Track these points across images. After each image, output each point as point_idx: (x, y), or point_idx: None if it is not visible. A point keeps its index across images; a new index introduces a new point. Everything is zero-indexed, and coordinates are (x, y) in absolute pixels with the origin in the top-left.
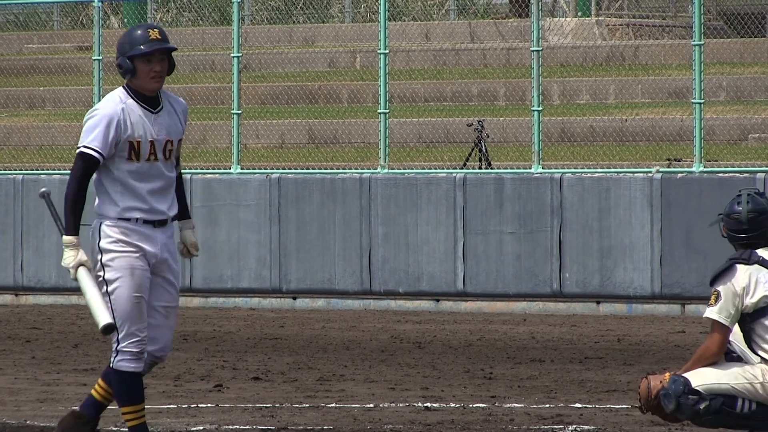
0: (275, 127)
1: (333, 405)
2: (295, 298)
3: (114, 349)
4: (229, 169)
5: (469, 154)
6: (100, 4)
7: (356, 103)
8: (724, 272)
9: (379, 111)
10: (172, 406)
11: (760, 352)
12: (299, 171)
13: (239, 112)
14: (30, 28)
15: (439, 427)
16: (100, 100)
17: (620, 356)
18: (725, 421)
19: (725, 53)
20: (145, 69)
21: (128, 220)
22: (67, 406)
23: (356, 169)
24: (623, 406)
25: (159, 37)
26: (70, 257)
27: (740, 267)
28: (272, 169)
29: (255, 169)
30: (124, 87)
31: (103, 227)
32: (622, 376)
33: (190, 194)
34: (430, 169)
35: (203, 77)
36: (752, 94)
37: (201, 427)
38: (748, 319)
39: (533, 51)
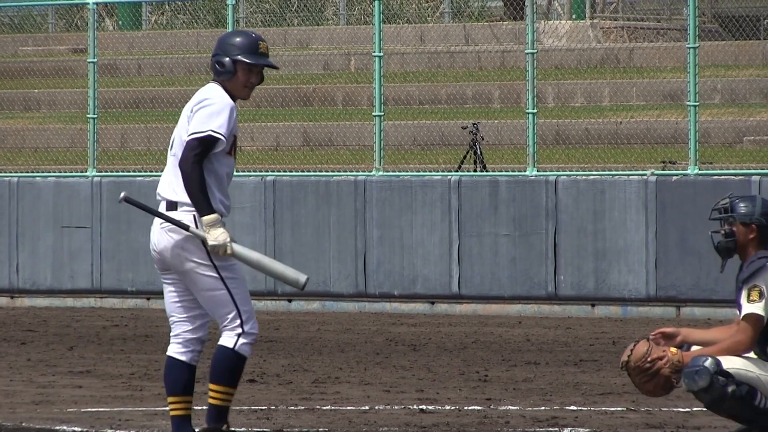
0: (270, 129)
1: (328, 407)
2: (290, 301)
3: (237, 333)
4: None
5: (464, 157)
6: (95, 6)
7: (351, 105)
8: (760, 268)
9: (373, 113)
10: (167, 408)
11: None
12: (294, 173)
13: None
14: (25, 31)
15: (435, 430)
16: (95, 102)
17: (615, 359)
18: (740, 412)
19: (720, 56)
20: (244, 78)
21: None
22: (63, 408)
23: (351, 171)
24: (618, 409)
25: (266, 51)
26: (221, 234)
27: None
28: (267, 171)
29: (250, 171)
30: (218, 83)
31: (199, 218)
32: (617, 378)
33: None
34: (425, 171)
35: (198, 80)
36: (747, 96)
37: (197, 429)
38: None
39: (528, 53)
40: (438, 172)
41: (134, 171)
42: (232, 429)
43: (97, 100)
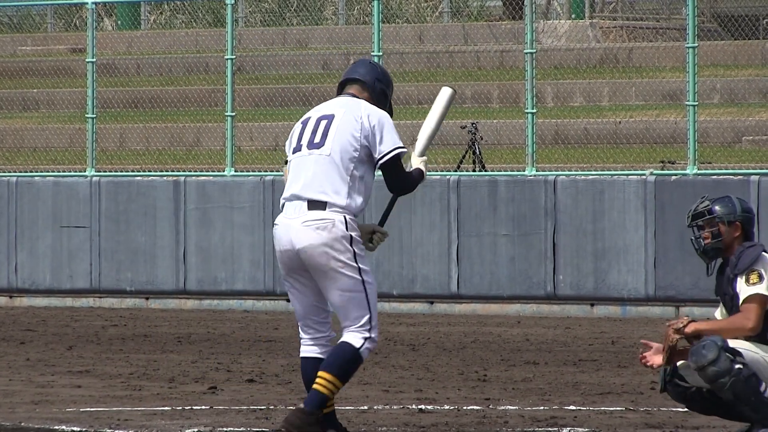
0: (269, 129)
1: None
2: (289, 300)
3: (365, 336)
4: (223, 171)
5: (463, 157)
6: (93, 6)
7: None
8: (757, 256)
9: None
10: (166, 408)
11: None
12: None
13: (233, 114)
14: (24, 30)
15: (433, 430)
16: (94, 102)
17: (614, 358)
18: (744, 393)
19: (719, 55)
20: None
21: (357, 218)
22: (62, 407)
23: None
24: (617, 409)
25: None
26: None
27: (766, 255)
28: (266, 171)
29: (249, 171)
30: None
31: (349, 220)
32: (616, 378)
33: (184, 196)
34: None
35: (197, 79)
36: (746, 96)
37: (195, 429)
38: None
39: (527, 53)
40: (437, 171)
41: (133, 171)
42: (232, 429)
43: (95, 100)
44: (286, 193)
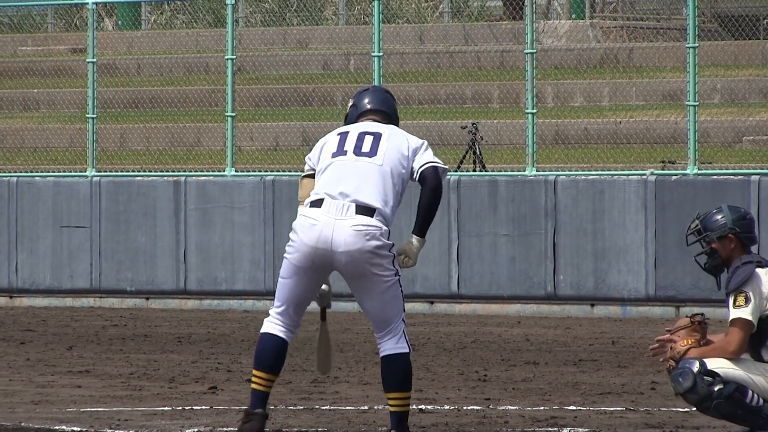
0: (269, 129)
1: (327, 407)
2: None
3: (404, 336)
4: (223, 171)
5: (463, 157)
6: (94, 6)
7: None
8: (748, 276)
9: None
10: (166, 408)
11: None
12: (293, 173)
13: (233, 114)
14: (24, 31)
15: (434, 430)
16: (94, 102)
17: (615, 359)
18: (731, 411)
19: (719, 55)
20: None
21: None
22: (62, 407)
23: None
24: (618, 409)
25: None
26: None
27: (760, 270)
28: (266, 171)
29: (249, 171)
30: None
31: (387, 231)
32: (616, 378)
33: (185, 196)
34: None
35: (197, 80)
36: (746, 96)
37: (195, 429)
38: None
39: (527, 53)
40: None
41: (133, 171)
42: (232, 429)
43: (96, 100)
44: (328, 190)
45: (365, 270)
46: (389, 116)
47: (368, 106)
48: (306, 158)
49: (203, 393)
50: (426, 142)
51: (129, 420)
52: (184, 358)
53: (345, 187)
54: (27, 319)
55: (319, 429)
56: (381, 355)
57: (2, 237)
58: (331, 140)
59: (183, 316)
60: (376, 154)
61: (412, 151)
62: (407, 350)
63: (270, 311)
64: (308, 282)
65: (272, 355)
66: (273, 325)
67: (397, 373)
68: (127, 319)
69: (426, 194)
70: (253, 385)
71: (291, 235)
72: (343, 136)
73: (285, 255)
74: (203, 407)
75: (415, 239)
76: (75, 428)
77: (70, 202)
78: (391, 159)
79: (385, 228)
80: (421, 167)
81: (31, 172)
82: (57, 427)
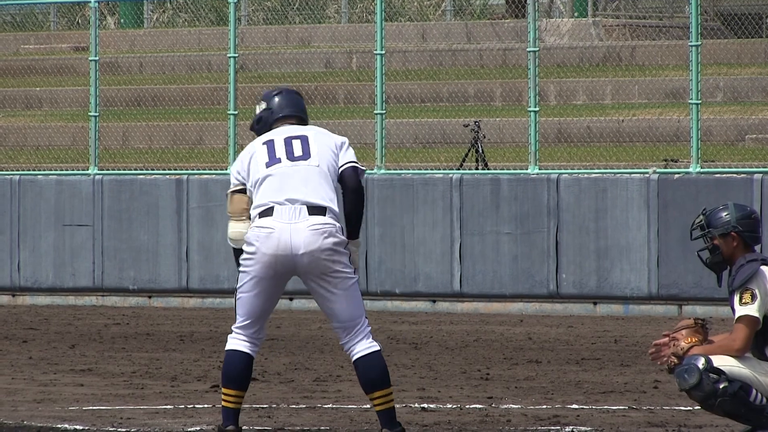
0: None
1: (329, 406)
2: (291, 299)
3: (370, 334)
4: (226, 169)
5: (466, 155)
6: (96, 4)
7: (352, 103)
8: (753, 274)
9: (375, 111)
10: (168, 406)
11: None
12: None
13: (236, 112)
14: (27, 29)
15: (436, 428)
16: (96, 100)
17: (617, 357)
18: (735, 409)
19: (722, 54)
20: None
21: None
22: (64, 406)
23: None
24: (620, 407)
25: None
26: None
27: (765, 268)
28: None
29: None
30: None
31: (342, 229)
32: (619, 377)
33: (187, 194)
34: (427, 169)
35: (200, 78)
36: (749, 94)
37: (198, 428)
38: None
39: (530, 51)
40: (439, 170)
41: (136, 169)
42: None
43: (98, 98)
44: (274, 198)
45: (327, 268)
46: (304, 120)
47: (286, 112)
48: (233, 172)
49: (205, 391)
50: (347, 141)
51: (131, 418)
52: (187, 357)
53: (290, 193)
54: (29, 317)
55: (322, 427)
56: (355, 357)
57: (5, 235)
58: (258, 151)
59: (185, 314)
60: (310, 156)
61: (338, 147)
62: (379, 347)
63: (233, 327)
64: (270, 292)
65: (240, 372)
66: (238, 341)
67: (377, 372)
68: (129, 317)
69: (350, 197)
70: (224, 403)
71: (245, 248)
72: (270, 144)
73: (242, 269)
74: (205, 406)
75: (351, 243)
76: (77, 426)
77: (72, 200)
78: (325, 158)
79: (338, 225)
80: (341, 167)
81: (34, 170)
82: (59, 426)
